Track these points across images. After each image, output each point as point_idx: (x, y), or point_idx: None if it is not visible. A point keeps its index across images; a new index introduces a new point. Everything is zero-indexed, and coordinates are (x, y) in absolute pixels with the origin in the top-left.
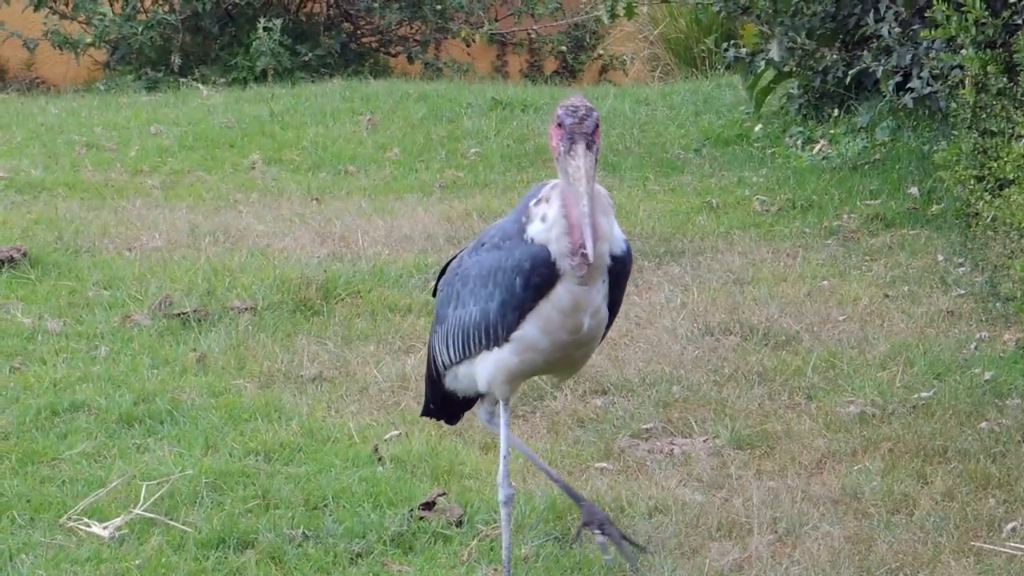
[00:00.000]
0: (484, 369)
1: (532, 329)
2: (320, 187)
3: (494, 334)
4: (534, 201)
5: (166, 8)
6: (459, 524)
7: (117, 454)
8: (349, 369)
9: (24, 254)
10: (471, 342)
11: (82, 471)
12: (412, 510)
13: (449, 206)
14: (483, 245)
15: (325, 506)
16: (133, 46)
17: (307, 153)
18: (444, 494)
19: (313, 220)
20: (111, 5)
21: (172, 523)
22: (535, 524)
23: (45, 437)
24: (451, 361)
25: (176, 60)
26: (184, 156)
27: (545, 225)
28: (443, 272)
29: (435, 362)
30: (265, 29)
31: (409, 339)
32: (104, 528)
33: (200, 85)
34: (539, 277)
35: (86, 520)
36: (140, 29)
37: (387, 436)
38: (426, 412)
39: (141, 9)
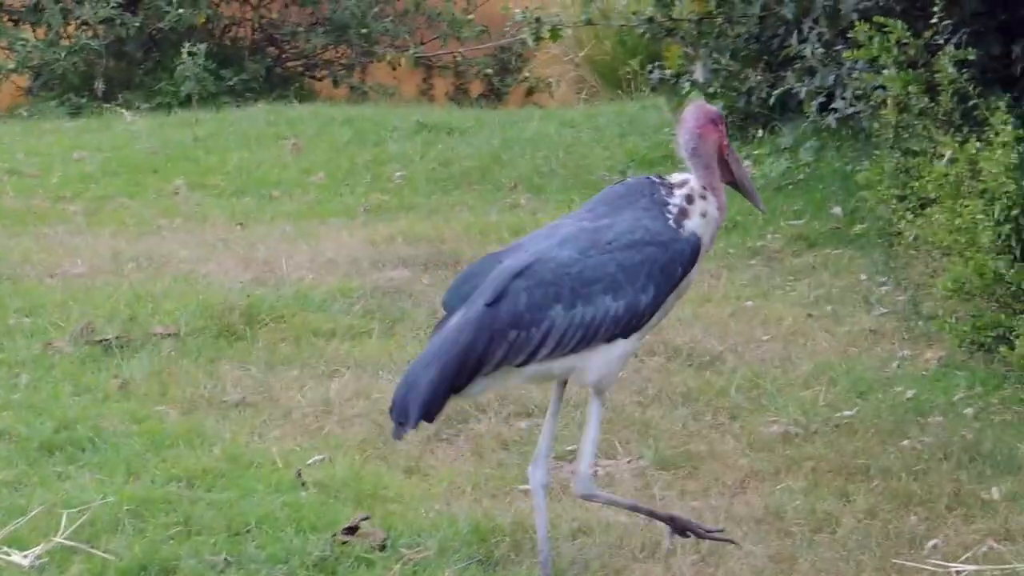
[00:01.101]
0: (601, 360)
1: (659, 313)
2: (244, 212)
3: (636, 323)
4: (682, 199)
5: (89, 33)
6: (382, 548)
7: (38, 482)
8: (272, 394)
9: None
10: (597, 335)
11: (2, 500)
12: (335, 535)
13: (374, 230)
14: (609, 244)
15: (248, 532)
16: (56, 72)
17: (231, 178)
18: (367, 518)
19: (237, 245)
20: (34, 31)
21: (93, 551)
22: (459, 547)
23: None
24: (527, 360)
25: (100, 86)
26: (107, 182)
27: (706, 220)
28: (506, 283)
29: (483, 362)
30: (189, 54)
31: (333, 363)
32: (24, 557)
33: (124, 111)
34: (691, 264)
35: (6, 549)
36: (63, 55)
37: (310, 461)
38: (429, 418)
39: (64, 35)
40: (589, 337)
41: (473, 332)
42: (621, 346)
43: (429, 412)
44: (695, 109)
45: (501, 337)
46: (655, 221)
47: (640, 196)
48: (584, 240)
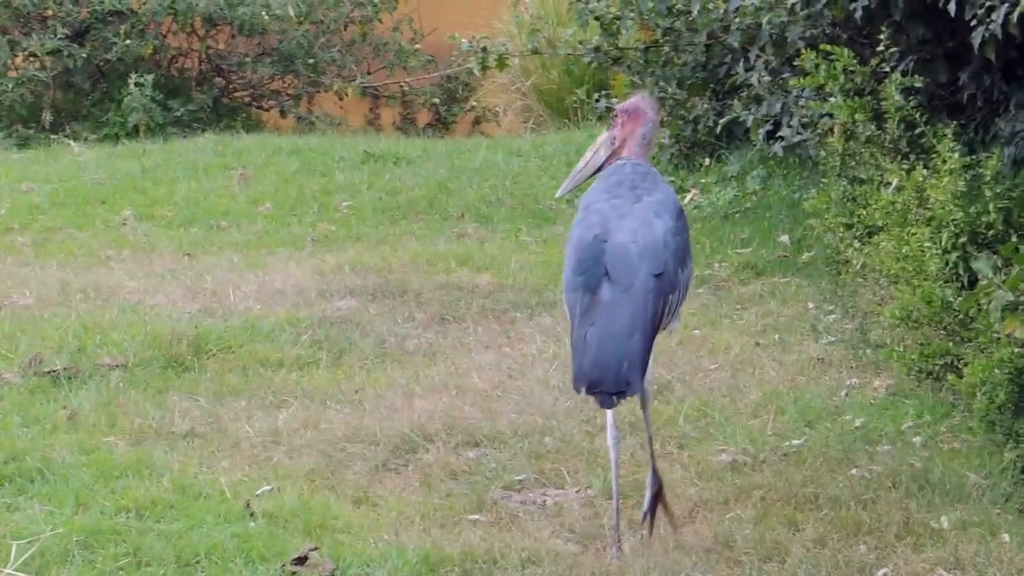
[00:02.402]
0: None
1: None
2: (192, 242)
3: None
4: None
5: (37, 65)
6: None
7: None
8: (221, 424)
9: None
10: (687, 292)
11: None
12: (284, 565)
13: (321, 260)
14: (675, 213)
15: (197, 563)
16: (3, 104)
17: (179, 208)
18: (316, 549)
19: (185, 276)
20: None
21: None
22: None
23: None
24: (670, 320)
25: (47, 117)
26: (55, 213)
27: None
28: (661, 254)
29: (659, 323)
30: (136, 85)
31: (281, 393)
32: None
33: (71, 142)
34: None
35: None
36: (11, 86)
37: (259, 491)
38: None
39: (11, 66)
40: (686, 294)
41: (655, 299)
42: None
43: (644, 374)
44: (648, 102)
45: (665, 301)
46: (669, 190)
47: (652, 174)
48: (667, 211)
